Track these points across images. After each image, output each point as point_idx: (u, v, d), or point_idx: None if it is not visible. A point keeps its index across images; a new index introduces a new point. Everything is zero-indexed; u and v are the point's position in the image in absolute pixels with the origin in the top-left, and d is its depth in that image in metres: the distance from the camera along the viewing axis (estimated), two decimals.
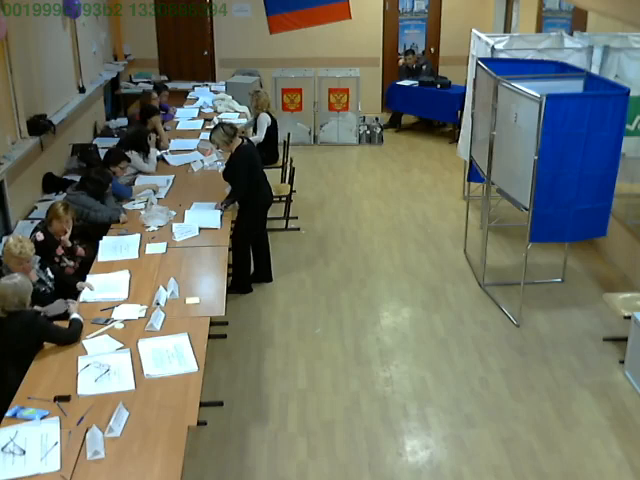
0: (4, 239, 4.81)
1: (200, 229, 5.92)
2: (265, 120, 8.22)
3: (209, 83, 11.62)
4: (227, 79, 11.52)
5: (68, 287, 5.07)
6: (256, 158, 6.42)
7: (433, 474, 4.49)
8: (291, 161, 8.50)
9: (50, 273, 5.05)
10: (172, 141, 8.23)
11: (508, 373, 5.49)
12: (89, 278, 5.14)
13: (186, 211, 6.21)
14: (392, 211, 8.60)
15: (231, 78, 11.57)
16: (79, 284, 5.07)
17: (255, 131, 8.26)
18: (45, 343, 4.31)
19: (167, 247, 5.64)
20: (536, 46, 7.53)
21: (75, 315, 4.54)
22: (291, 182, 7.96)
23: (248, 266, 6.67)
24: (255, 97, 8.45)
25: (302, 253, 7.52)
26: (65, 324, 4.47)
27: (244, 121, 8.81)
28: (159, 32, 12.37)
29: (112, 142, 8.74)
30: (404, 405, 5.13)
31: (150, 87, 11.06)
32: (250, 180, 6.26)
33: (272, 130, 8.36)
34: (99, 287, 5.01)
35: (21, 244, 4.69)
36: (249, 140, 6.64)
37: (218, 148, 6.56)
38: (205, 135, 8.39)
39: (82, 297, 4.90)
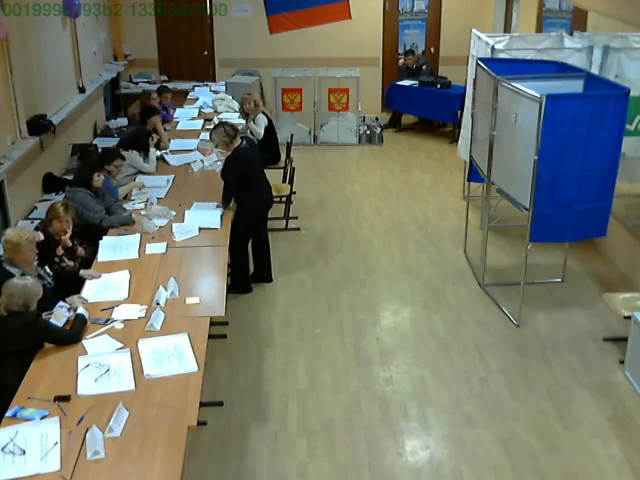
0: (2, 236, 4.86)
1: (200, 229, 5.92)
2: (263, 120, 8.22)
3: (209, 83, 11.62)
4: (227, 79, 11.54)
5: (69, 283, 5.08)
6: (253, 160, 6.40)
7: (433, 474, 4.49)
8: (291, 161, 8.50)
9: (48, 269, 5.04)
10: (172, 141, 8.23)
11: (508, 373, 5.49)
12: (87, 281, 5.14)
13: (186, 211, 6.21)
14: (392, 211, 8.60)
15: (231, 78, 11.58)
16: (82, 272, 5.12)
17: (251, 133, 8.25)
18: (45, 343, 4.32)
19: (167, 247, 5.64)
20: (536, 46, 7.52)
21: (80, 310, 4.55)
22: (291, 182, 7.97)
23: (247, 266, 6.67)
24: (248, 100, 8.42)
25: (302, 253, 7.52)
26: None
27: (244, 121, 8.81)
28: (159, 32, 12.37)
29: (112, 142, 8.73)
30: (404, 405, 5.13)
31: (151, 87, 11.10)
32: (243, 181, 6.25)
33: (271, 130, 8.35)
34: (99, 287, 5.01)
35: (27, 231, 4.89)
36: (250, 140, 6.63)
37: (217, 147, 6.56)
38: (205, 135, 8.40)
39: (85, 289, 4.93)
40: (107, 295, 4.90)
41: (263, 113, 8.33)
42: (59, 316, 4.49)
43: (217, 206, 6.31)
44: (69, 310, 4.60)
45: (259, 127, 8.22)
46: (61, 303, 4.63)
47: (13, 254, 4.71)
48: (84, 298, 4.83)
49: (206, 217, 6.12)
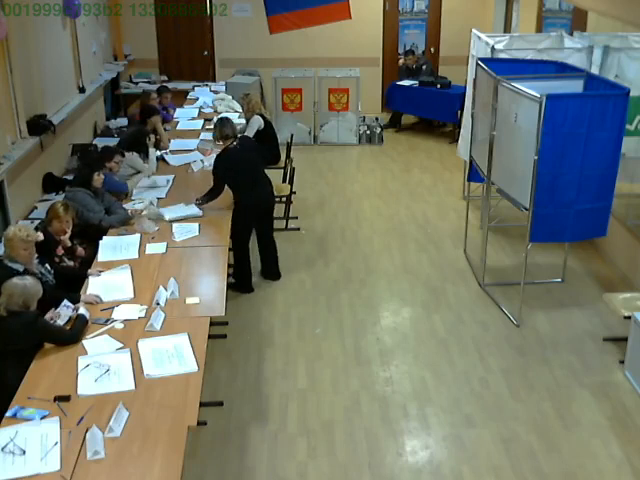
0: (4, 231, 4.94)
1: (200, 229, 5.92)
2: (257, 122, 8.17)
3: (209, 83, 11.63)
4: (227, 79, 11.53)
5: (71, 280, 5.09)
6: (243, 160, 6.39)
7: (433, 474, 4.49)
8: (291, 161, 8.50)
9: (49, 267, 5.05)
10: (172, 141, 8.23)
11: (508, 373, 5.49)
12: (90, 278, 5.14)
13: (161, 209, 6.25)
14: (392, 211, 8.60)
15: (231, 78, 11.57)
16: (90, 271, 5.16)
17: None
18: (45, 343, 4.32)
19: (167, 247, 5.64)
20: (536, 46, 7.52)
21: (81, 310, 4.55)
22: (291, 182, 7.97)
23: (247, 266, 6.67)
24: (246, 100, 8.40)
25: (302, 253, 7.52)
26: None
27: (244, 121, 8.80)
28: (159, 32, 12.37)
29: (112, 142, 8.72)
30: (404, 405, 5.13)
31: (150, 87, 11.10)
32: (236, 181, 6.32)
33: (269, 130, 8.32)
34: (104, 287, 5.00)
35: (24, 228, 4.88)
36: (245, 142, 6.59)
37: (214, 136, 6.54)
38: (205, 135, 8.41)
39: (90, 289, 4.94)
40: (112, 295, 4.89)
41: (261, 115, 8.30)
42: (62, 314, 4.50)
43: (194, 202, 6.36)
44: (72, 310, 4.60)
45: (250, 129, 8.17)
46: (66, 303, 4.62)
47: (10, 250, 4.75)
48: (100, 297, 4.84)
49: (185, 209, 6.24)
